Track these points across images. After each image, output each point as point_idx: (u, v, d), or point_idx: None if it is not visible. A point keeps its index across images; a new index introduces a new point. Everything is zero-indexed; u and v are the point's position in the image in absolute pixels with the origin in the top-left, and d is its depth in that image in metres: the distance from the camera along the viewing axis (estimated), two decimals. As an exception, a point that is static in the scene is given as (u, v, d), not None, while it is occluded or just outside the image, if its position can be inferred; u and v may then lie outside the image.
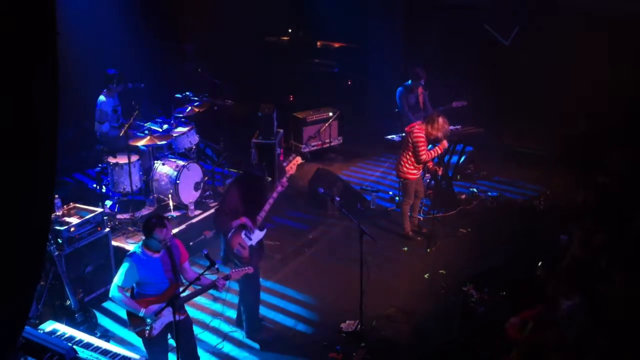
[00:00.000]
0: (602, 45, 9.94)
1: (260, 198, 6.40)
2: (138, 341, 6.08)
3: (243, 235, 6.29)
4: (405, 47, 12.43)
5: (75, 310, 6.29)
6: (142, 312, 5.16)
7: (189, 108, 9.48)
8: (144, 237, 5.26)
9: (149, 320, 5.20)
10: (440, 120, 8.00)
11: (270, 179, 9.81)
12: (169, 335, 5.47)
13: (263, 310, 6.98)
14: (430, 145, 8.20)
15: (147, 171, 8.83)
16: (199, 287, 5.42)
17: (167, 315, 5.20)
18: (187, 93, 9.98)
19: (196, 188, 8.79)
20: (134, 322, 5.27)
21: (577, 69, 10.30)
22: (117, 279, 5.17)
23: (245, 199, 6.30)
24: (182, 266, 5.45)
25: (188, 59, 12.50)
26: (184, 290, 5.21)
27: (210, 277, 5.40)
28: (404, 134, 8.56)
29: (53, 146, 2.75)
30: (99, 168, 8.62)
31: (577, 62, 10.33)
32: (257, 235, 6.40)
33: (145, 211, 8.66)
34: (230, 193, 6.41)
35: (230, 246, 6.29)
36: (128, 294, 5.28)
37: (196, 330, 6.07)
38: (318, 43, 13.48)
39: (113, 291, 5.17)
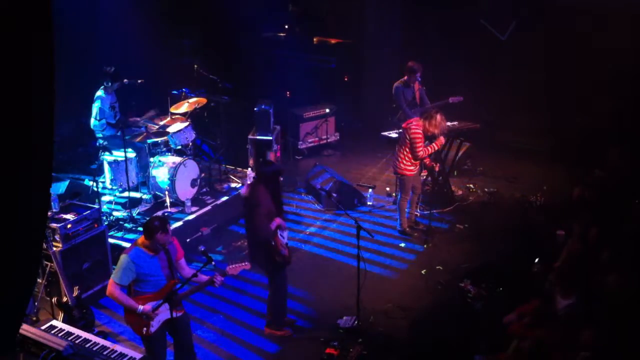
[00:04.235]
0: (602, 42, 9.93)
1: (280, 193, 6.37)
2: (135, 338, 6.10)
3: (279, 236, 6.21)
4: (401, 43, 12.42)
5: (72, 307, 6.28)
6: (140, 309, 5.15)
7: (186, 104, 9.47)
8: (142, 235, 5.24)
9: (146, 318, 5.20)
10: (438, 117, 8.00)
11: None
12: (166, 332, 5.47)
13: (260, 306, 6.99)
14: (427, 142, 8.21)
15: (144, 168, 8.83)
16: (197, 284, 5.42)
17: (165, 312, 5.20)
18: (184, 89, 9.96)
19: (193, 185, 8.79)
20: (132, 319, 5.27)
21: (574, 65, 10.31)
22: (115, 277, 5.16)
23: (274, 198, 6.18)
24: (178, 263, 5.44)
25: (185, 55, 12.48)
26: (181, 287, 5.21)
27: (207, 273, 5.40)
28: (401, 130, 8.57)
29: (49, 143, 2.74)
30: (95, 165, 8.60)
31: (575, 58, 10.35)
32: (286, 232, 6.38)
33: (142, 208, 8.66)
34: (262, 195, 6.11)
35: (277, 250, 6.15)
36: (125, 292, 5.27)
37: (193, 326, 6.07)
38: (315, 39, 13.45)
39: (111, 289, 5.16)
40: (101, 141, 8.81)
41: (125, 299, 5.18)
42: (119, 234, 8.01)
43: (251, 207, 6.12)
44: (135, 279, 5.17)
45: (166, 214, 8.37)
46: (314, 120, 11.54)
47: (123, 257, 5.18)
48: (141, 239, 5.25)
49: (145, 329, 5.24)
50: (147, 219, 8.16)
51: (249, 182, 6.23)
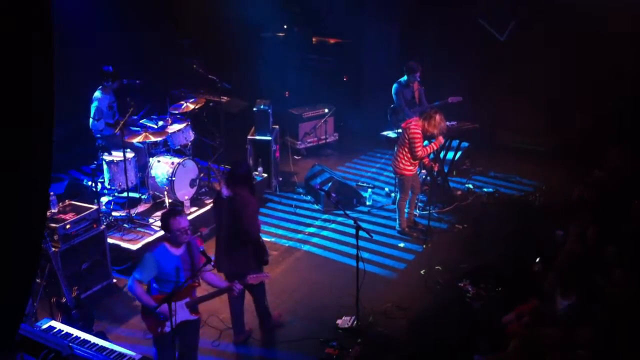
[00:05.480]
0: (602, 41, 9.93)
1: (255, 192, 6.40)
2: (134, 338, 6.09)
3: None
4: (401, 42, 12.42)
5: (71, 307, 6.27)
6: (157, 308, 5.14)
7: (184, 104, 9.46)
8: (164, 233, 5.28)
9: (163, 317, 5.18)
10: (437, 117, 8.00)
11: (265, 175, 9.82)
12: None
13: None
14: (426, 142, 8.21)
15: (143, 168, 8.82)
16: (215, 290, 5.45)
17: (180, 313, 5.19)
18: (183, 89, 9.95)
19: (192, 185, 8.78)
20: (148, 317, 5.26)
21: (574, 65, 10.31)
22: (136, 272, 5.18)
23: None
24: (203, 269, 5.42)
25: (184, 55, 12.47)
26: (182, 286, 5.21)
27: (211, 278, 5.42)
28: (400, 130, 8.57)
29: (49, 143, 2.73)
30: (94, 165, 8.59)
31: (575, 58, 10.34)
32: None
33: (141, 208, 8.65)
34: (248, 194, 6.10)
35: (264, 247, 6.22)
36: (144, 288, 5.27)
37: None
38: (314, 39, 13.45)
39: (131, 284, 5.18)
40: (100, 141, 8.80)
41: (144, 296, 5.18)
42: (118, 234, 8.00)
43: (241, 207, 6.05)
44: (157, 277, 5.19)
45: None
46: (313, 120, 11.53)
47: (146, 255, 5.21)
48: (163, 236, 5.29)
49: (160, 328, 5.23)
50: (147, 219, 8.21)
51: (225, 184, 6.25)
